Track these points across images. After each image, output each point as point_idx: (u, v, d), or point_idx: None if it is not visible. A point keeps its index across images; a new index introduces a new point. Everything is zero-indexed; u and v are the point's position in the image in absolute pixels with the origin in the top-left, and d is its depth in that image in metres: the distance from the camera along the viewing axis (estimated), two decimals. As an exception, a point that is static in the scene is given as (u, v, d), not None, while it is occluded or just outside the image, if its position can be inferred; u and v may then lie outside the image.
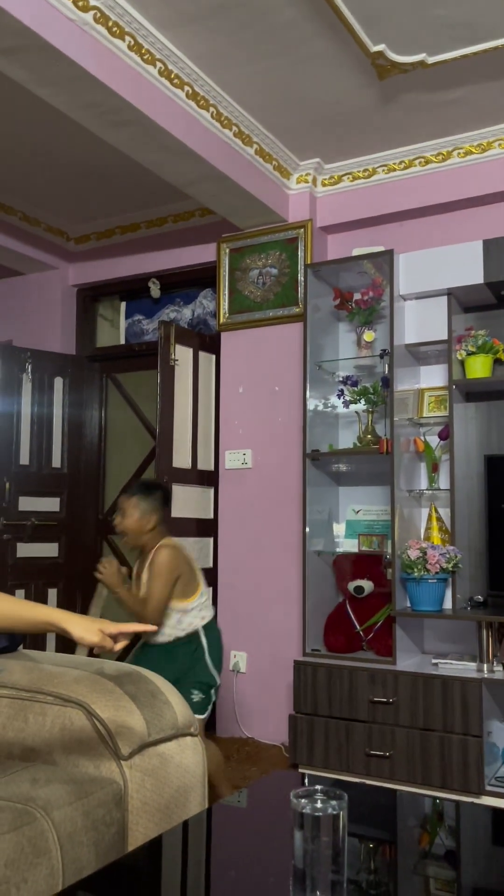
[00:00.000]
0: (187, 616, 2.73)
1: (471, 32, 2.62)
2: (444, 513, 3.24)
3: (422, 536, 3.32)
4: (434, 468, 3.32)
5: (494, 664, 2.93)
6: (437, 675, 2.88)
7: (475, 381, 3.20)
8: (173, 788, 1.76)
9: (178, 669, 2.68)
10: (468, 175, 3.31)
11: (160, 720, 1.77)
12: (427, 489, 3.33)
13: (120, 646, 1.47)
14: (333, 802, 0.87)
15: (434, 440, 3.33)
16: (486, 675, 2.86)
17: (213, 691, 2.76)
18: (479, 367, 3.19)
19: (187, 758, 1.82)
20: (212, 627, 2.82)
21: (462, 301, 3.31)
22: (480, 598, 3.17)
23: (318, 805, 0.86)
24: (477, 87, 2.94)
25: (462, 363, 3.23)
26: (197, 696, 2.70)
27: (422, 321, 3.29)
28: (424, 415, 3.37)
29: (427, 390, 3.40)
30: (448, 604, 3.13)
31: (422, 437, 3.36)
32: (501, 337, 3.24)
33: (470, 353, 3.19)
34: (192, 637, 2.75)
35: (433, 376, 3.41)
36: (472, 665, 2.95)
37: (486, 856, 1.50)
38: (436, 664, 3.01)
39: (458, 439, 3.21)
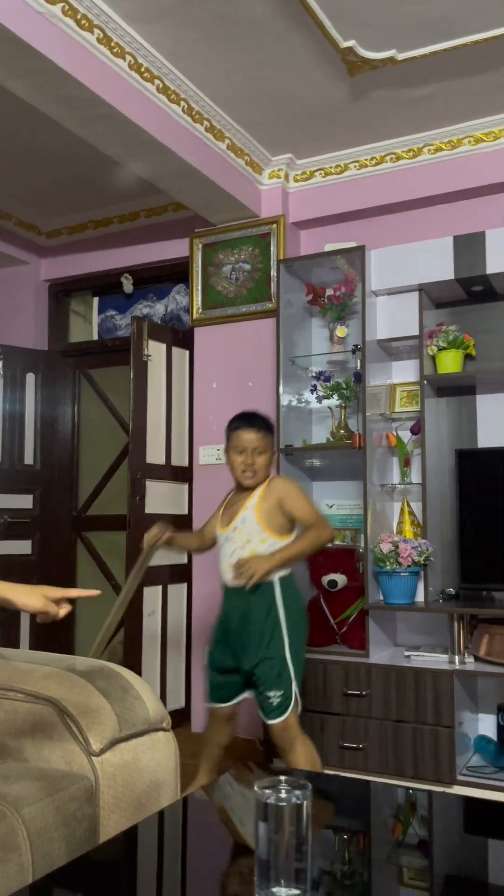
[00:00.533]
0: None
1: (441, 29, 2.64)
2: (416, 507, 3.27)
3: (394, 530, 3.34)
4: (406, 462, 3.35)
5: (466, 656, 2.97)
6: (410, 667, 2.91)
7: (446, 377, 3.23)
8: (145, 783, 1.76)
9: (255, 631, 2.48)
10: (438, 172, 3.34)
11: (131, 715, 1.77)
12: (399, 483, 3.36)
13: (64, 611, 1.42)
14: (297, 792, 0.88)
15: (406, 435, 3.36)
16: (457, 667, 2.89)
17: (293, 682, 2.48)
18: (450, 363, 3.22)
19: (160, 752, 1.82)
20: (289, 584, 2.57)
21: (433, 297, 3.34)
22: (452, 590, 3.21)
23: (282, 795, 0.87)
24: (447, 83, 2.96)
25: (433, 358, 3.26)
26: (275, 697, 2.47)
27: (393, 317, 3.31)
28: (396, 410, 3.39)
29: (399, 385, 3.43)
30: (420, 597, 3.16)
31: (394, 432, 3.39)
32: (472, 332, 3.28)
33: (441, 349, 3.22)
34: (267, 588, 2.51)
35: (405, 371, 3.43)
36: (444, 657, 2.98)
37: (459, 844, 1.52)
38: (408, 656, 3.04)
39: (429, 434, 3.24)
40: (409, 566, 3.04)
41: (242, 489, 2.62)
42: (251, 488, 2.58)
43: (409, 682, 2.89)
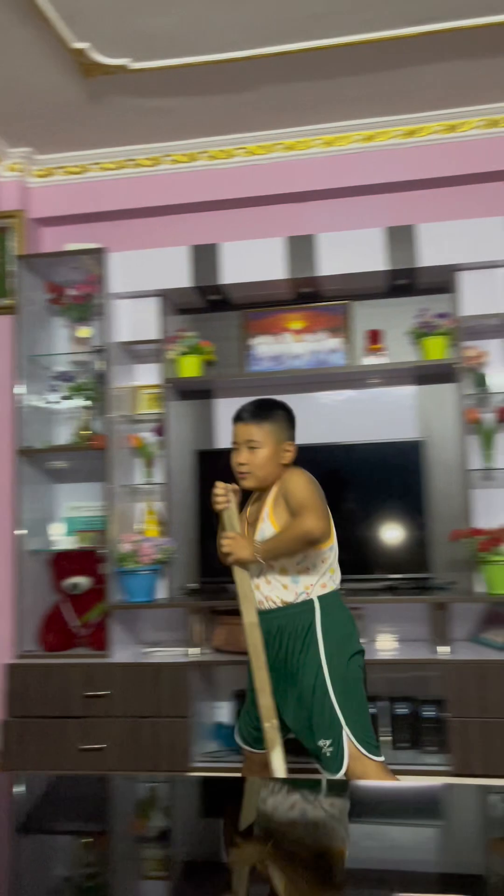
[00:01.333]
0: (309, 572, 2.08)
1: (173, 46, 2.74)
2: (161, 506, 3.35)
3: (139, 530, 3.40)
4: (149, 463, 3.43)
5: (203, 648, 3.11)
6: (149, 663, 2.98)
7: (187, 380, 3.36)
8: None
9: (291, 662, 2.05)
10: (177, 182, 3.45)
11: None
12: (143, 484, 3.42)
13: None
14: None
15: (149, 436, 3.43)
16: (193, 659, 3.01)
17: (342, 728, 2.00)
18: (190, 367, 3.35)
19: None
20: (331, 603, 2.11)
21: (174, 302, 3.45)
22: (195, 585, 3.33)
23: None
24: (182, 99, 3.07)
25: (175, 362, 3.37)
26: (327, 747, 2.01)
27: (136, 320, 3.37)
28: (140, 411, 3.46)
29: (142, 388, 3.49)
30: (163, 593, 3.25)
31: (137, 434, 3.45)
32: (211, 339, 3.44)
33: (181, 354, 3.34)
34: (305, 610, 2.08)
35: (149, 374, 3.50)
36: (183, 650, 3.09)
37: (192, 827, 1.56)
38: (148, 653, 3.11)
39: (171, 435, 3.35)
40: (150, 564, 3.11)
41: (262, 492, 2.20)
42: (267, 490, 2.17)
43: (148, 678, 2.95)
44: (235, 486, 2.19)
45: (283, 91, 3.03)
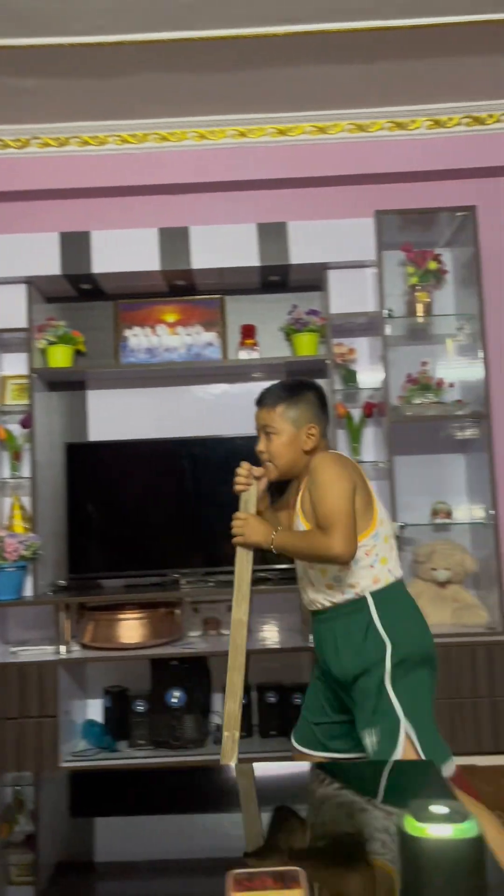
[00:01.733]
0: (351, 567, 1.85)
1: (29, 24, 2.63)
2: (28, 501, 3.24)
3: (5, 525, 3.27)
4: (16, 456, 3.30)
5: (72, 645, 3.03)
6: (14, 662, 2.88)
7: (56, 371, 3.26)
8: None
9: (349, 665, 1.82)
10: (46, 166, 3.33)
11: None
12: (9, 478, 3.29)
13: None
14: None
15: (16, 428, 3.30)
16: (62, 657, 2.94)
17: (401, 723, 1.75)
18: (60, 357, 3.26)
19: None
20: (388, 598, 1.87)
21: (43, 290, 3.35)
22: (63, 582, 3.25)
23: None
24: (51, 80, 2.97)
25: (43, 352, 3.26)
26: (371, 739, 1.78)
27: (2, 307, 3.23)
28: (7, 402, 3.32)
29: (9, 378, 3.36)
30: (30, 591, 3.14)
31: (4, 426, 3.31)
32: (82, 329, 3.36)
33: (51, 343, 3.25)
34: (359, 608, 1.86)
35: (16, 364, 3.37)
36: (52, 648, 3.00)
37: (60, 827, 1.51)
38: (14, 652, 3.00)
39: (40, 427, 3.24)
40: (15, 561, 3.00)
41: (300, 482, 1.99)
42: (300, 478, 1.97)
43: (13, 679, 2.85)
44: (261, 470, 2.01)
45: (156, 80, 3.00)
